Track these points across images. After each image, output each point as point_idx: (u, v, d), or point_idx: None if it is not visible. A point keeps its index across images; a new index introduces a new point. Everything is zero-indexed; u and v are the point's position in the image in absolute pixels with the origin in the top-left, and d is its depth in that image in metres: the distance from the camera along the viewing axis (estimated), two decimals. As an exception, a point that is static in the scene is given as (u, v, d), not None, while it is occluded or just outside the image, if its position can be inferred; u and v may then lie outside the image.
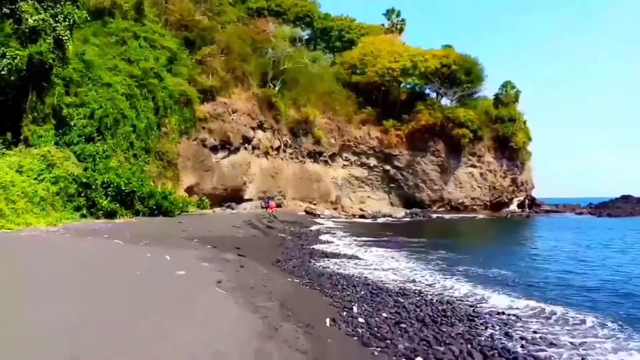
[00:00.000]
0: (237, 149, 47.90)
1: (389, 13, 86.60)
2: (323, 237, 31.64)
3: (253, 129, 50.14)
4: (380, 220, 55.00)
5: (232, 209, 46.05)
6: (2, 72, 24.20)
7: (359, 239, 31.46)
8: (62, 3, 28.17)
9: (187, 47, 46.50)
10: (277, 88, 54.44)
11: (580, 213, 76.34)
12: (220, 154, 46.08)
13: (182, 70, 43.38)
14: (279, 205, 52.31)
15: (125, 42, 40.17)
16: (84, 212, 23.63)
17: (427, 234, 39.56)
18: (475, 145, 67.97)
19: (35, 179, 21.50)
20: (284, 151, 56.49)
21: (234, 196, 47.81)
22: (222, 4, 57.94)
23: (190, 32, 47.73)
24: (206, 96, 45.03)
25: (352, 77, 67.73)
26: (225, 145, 46.26)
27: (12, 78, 24.71)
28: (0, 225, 16.62)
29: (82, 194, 23.78)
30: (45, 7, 27.10)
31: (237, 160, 47.96)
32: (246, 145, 49.16)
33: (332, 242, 28.67)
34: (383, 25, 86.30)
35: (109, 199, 24.91)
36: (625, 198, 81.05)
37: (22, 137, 25.63)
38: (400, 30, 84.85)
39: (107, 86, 33.20)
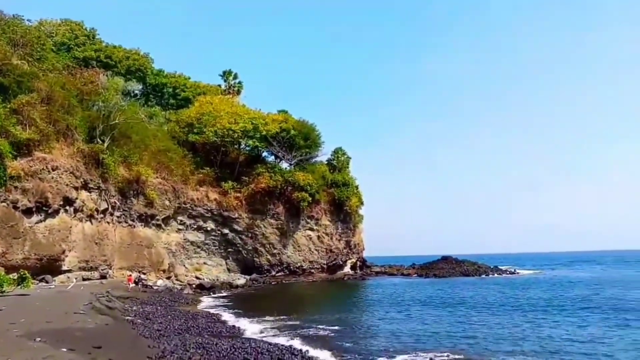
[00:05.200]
0: (56, 212, 41.17)
1: (225, 74, 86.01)
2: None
3: (76, 188, 43.80)
4: (224, 292, 49.99)
5: (47, 282, 39.00)
6: None
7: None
8: None
9: (1, 94, 39.76)
10: (106, 144, 48.89)
11: (409, 274, 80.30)
12: (35, 218, 39.11)
13: (-8, 120, 36.69)
14: (103, 277, 45.96)
15: None
16: None
17: (282, 306, 35.91)
18: (313, 208, 68.67)
19: None
20: (112, 214, 50.29)
21: (49, 267, 40.58)
22: (45, 49, 51.47)
23: (5, 77, 41.05)
24: (21, 150, 38.50)
25: (189, 136, 64.53)
26: (41, 208, 39.48)
27: None
28: None
29: None
30: None
31: (55, 225, 41.12)
32: (67, 207, 42.58)
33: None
34: (220, 86, 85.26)
35: None
36: (445, 258, 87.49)
37: None
38: (238, 92, 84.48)
39: None
